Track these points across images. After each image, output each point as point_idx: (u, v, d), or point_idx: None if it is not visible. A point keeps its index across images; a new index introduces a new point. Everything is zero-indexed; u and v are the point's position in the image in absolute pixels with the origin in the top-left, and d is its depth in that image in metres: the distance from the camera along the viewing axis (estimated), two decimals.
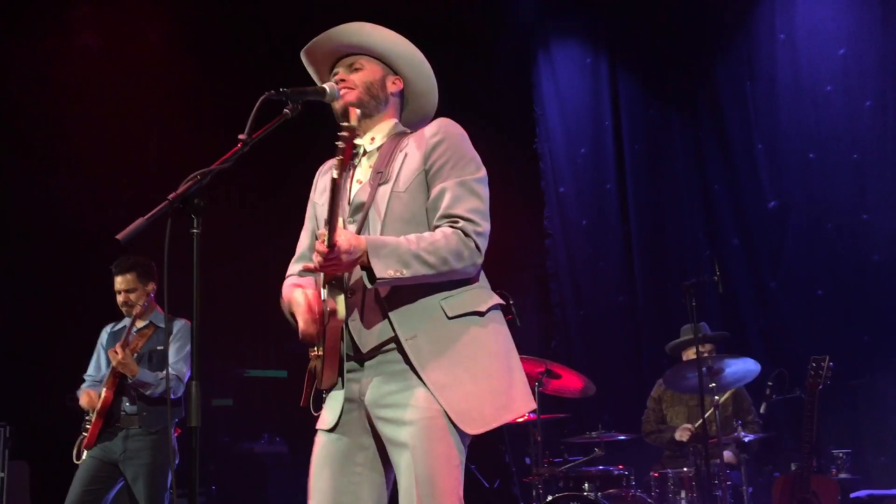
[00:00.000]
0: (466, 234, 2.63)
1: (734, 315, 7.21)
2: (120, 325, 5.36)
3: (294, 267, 2.96)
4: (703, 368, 5.40)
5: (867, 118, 6.83)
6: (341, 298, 2.62)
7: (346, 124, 2.40)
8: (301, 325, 2.63)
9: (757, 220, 7.31)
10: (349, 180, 2.83)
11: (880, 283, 6.62)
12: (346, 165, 2.41)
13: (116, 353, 4.93)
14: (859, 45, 6.93)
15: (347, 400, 2.69)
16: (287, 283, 2.88)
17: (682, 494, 5.68)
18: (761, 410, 5.91)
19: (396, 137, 2.86)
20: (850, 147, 6.87)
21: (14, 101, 7.40)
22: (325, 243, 2.41)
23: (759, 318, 7.24)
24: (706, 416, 5.40)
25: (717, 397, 5.52)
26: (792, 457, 5.89)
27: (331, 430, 2.71)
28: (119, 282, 5.22)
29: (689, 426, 6.03)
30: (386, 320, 2.62)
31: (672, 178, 7.82)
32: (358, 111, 2.74)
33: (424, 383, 2.56)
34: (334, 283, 2.63)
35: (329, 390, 2.72)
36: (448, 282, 2.66)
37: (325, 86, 2.76)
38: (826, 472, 5.84)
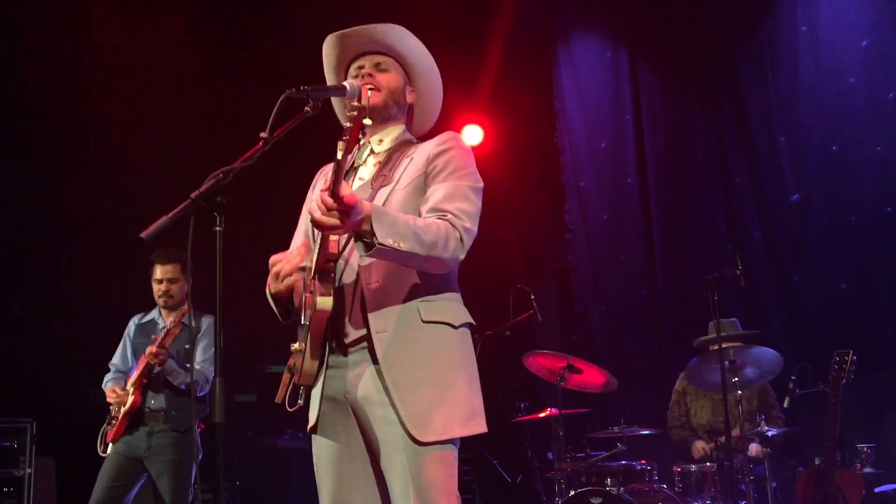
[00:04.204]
0: (454, 227, 2.63)
1: (757, 309, 7.15)
2: (148, 318, 5.40)
3: None
4: (727, 362, 5.37)
5: (890, 110, 6.77)
6: (329, 289, 2.62)
7: (356, 104, 2.40)
8: (276, 271, 2.64)
9: (779, 212, 7.26)
10: (352, 177, 2.85)
11: None
12: (353, 146, 2.41)
13: (155, 353, 4.97)
14: (882, 36, 6.87)
15: (330, 398, 2.70)
16: None
17: (706, 489, 5.66)
18: (784, 405, 5.87)
19: (404, 144, 2.89)
20: (874, 139, 6.81)
21: (34, 97, 7.46)
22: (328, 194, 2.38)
23: (782, 312, 7.19)
24: (728, 411, 5.37)
25: (739, 392, 5.49)
26: (816, 451, 5.84)
27: (315, 430, 2.74)
28: (162, 271, 5.26)
29: (705, 445, 6.03)
30: (366, 314, 2.63)
31: (693, 171, 7.78)
32: (369, 93, 2.75)
33: (384, 381, 2.57)
34: (323, 274, 2.63)
35: (309, 386, 2.72)
36: (428, 285, 2.67)
37: (345, 83, 2.78)
38: (850, 467, 5.79)
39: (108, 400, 5.17)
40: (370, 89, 2.81)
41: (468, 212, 2.69)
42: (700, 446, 6.10)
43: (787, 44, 7.31)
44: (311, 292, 2.62)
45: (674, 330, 7.56)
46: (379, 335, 2.61)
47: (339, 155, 2.36)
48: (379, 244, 2.43)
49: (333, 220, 2.39)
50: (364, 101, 2.46)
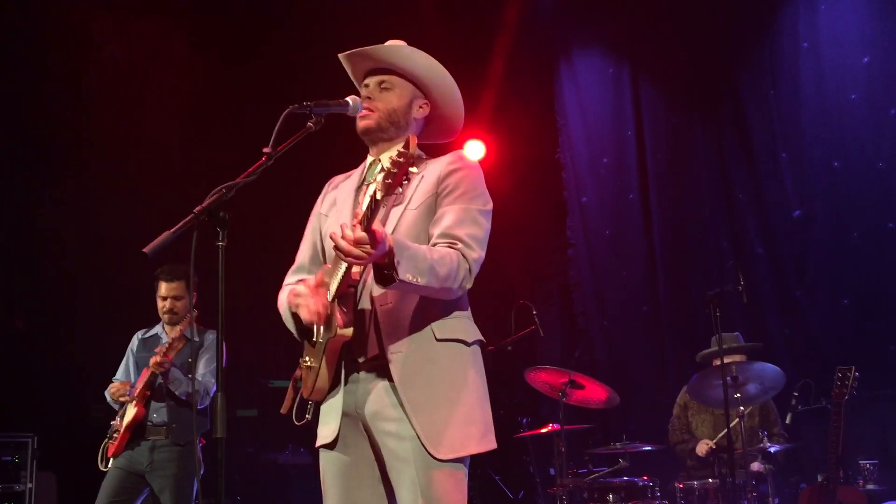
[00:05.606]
0: (464, 257, 2.65)
1: (759, 325, 7.15)
2: (151, 333, 5.42)
3: (291, 278, 2.96)
4: (729, 378, 5.36)
5: (892, 126, 6.78)
6: (351, 314, 2.63)
7: (403, 150, 2.37)
8: (306, 314, 2.63)
9: (781, 228, 7.27)
10: (362, 194, 2.86)
11: None
12: (393, 190, 2.39)
13: (159, 362, 4.98)
14: (883, 52, 6.88)
15: (343, 414, 2.70)
16: (285, 290, 2.87)
17: None
18: (787, 421, 5.86)
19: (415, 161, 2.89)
20: (875, 155, 6.82)
21: (37, 111, 7.48)
22: (362, 228, 2.37)
23: (785, 328, 7.19)
24: (731, 426, 5.36)
25: (741, 408, 5.48)
26: (818, 467, 5.83)
27: (332, 447, 2.73)
28: (167, 288, 5.27)
29: (709, 441, 6.01)
30: (381, 334, 2.64)
31: (695, 187, 7.79)
32: (416, 139, 2.76)
33: (399, 398, 2.58)
34: (344, 298, 2.64)
35: (317, 402, 2.73)
36: (441, 304, 2.68)
37: (348, 99, 2.79)
38: (853, 483, 5.78)
39: (112, 393, 5.16)
40: (363, 115, 2.83)
41: (478, 237, 2.71)
42: (705, 443, 6.05)
43: (789, 60, 7.33)
44: (328, 313, 2.63)
45: (676, 345, 7.56)
46: (394, 355, 2.62)
47: (379, 195, 2.34)
48: (400, 280, 2.44)
49: (360, 254, 2.40)
50: (413, 150, 2.40)
